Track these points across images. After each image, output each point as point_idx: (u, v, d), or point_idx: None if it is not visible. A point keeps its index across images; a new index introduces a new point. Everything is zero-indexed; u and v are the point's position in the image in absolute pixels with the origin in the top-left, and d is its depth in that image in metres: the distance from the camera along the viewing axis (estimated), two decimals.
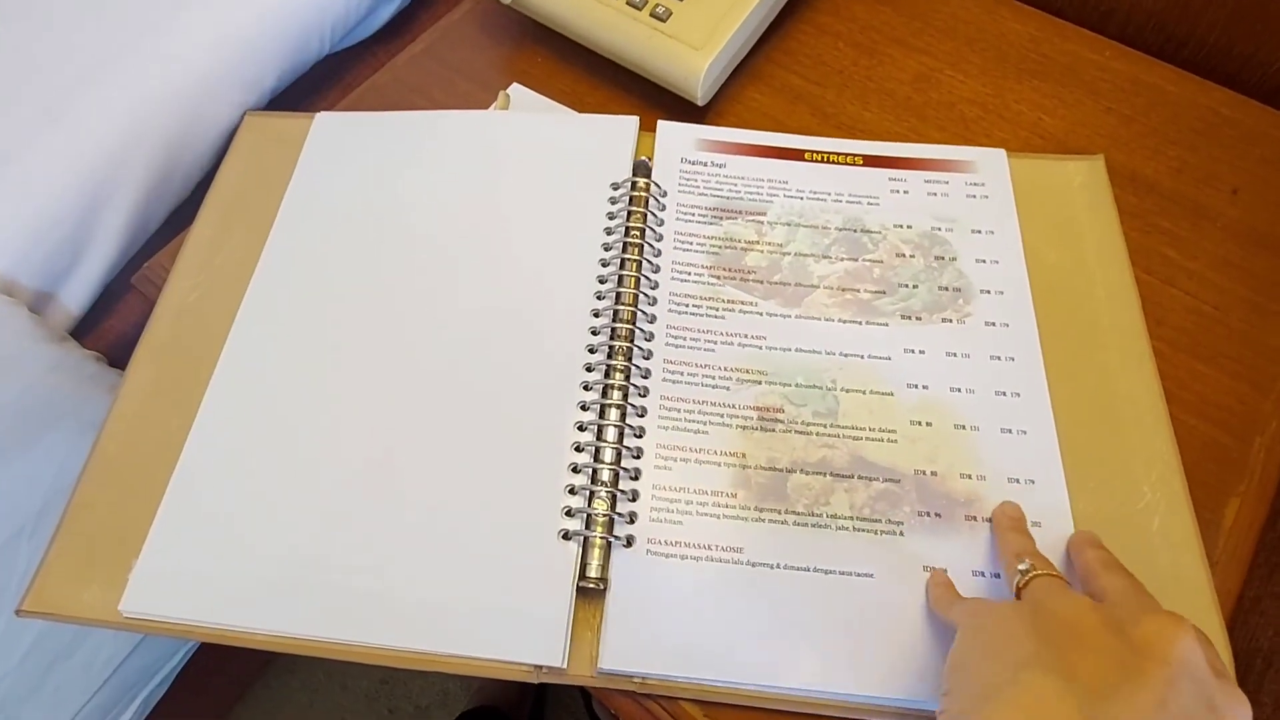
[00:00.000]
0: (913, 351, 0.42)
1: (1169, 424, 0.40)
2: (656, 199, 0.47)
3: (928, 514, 0.38)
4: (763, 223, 0.47)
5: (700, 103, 0.50)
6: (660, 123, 0.50)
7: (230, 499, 0.39)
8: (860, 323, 0.43)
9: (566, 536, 0.37)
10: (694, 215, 0.47)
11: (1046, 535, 0.37)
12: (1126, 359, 0.42)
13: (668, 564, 0.37)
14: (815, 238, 0.46)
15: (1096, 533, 0.36)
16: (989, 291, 0.44)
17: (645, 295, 0.44)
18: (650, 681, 0.35)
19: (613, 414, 0.40)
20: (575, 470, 0.39)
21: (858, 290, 0.44)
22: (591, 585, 0.36)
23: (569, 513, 0.38)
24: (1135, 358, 0.42)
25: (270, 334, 0.44)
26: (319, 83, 0.65)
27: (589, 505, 0.38)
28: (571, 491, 0.38)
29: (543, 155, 0.49)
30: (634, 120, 0.50)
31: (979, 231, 0.46)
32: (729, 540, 0.37)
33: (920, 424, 0.40)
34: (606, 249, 0.45)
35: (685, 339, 0.43)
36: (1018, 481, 0.39)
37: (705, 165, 0.49)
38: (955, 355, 0.42)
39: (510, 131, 0.51)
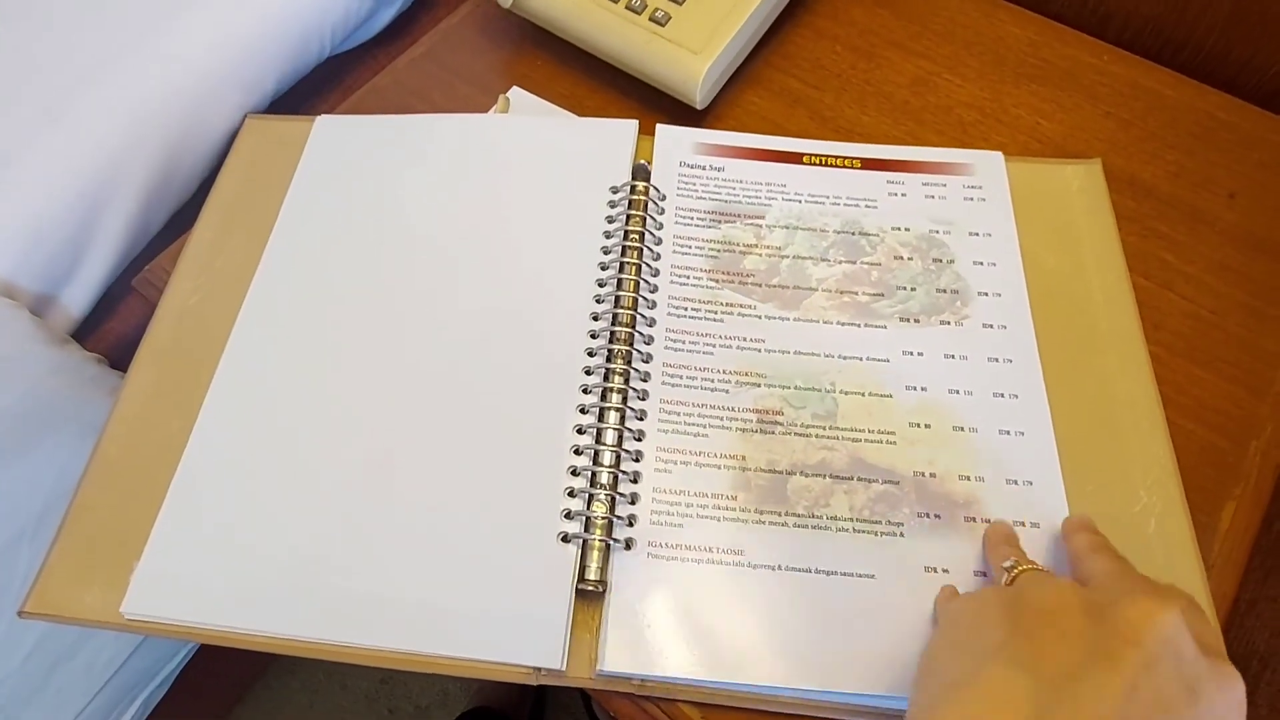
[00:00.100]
0: (911, 353, 0.42)
1: (1166, 428, 0.40)
2: (655, 202, 0.47)
3: (927, 515, 0.38)
4: (761, 226, 0.47)
5: (699, 106, 0.50)
6: (659, 126, 0.50)
7: (231, 501, 0.39)
8: (859, 325, 0.43)
9: (566, 539, 0.37)
10: (693, 218, 0.47)
11: (1044, 536, 0.37)
12: (1124, 363, 0.42)
13: (668, 566, 0.37)
14: (813, 241, 0.46)
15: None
16: (987, 294, 0.44)
17: (644, 299, 0.44)
18: (650, 684, 0.35)
19: (612, 417, 0.40)
20: (575, 473, 0.39)
21: (856, 293, 0.44)
22: (591, 588, 0.36)
23: (568, 515, 0.38)
24: (1132, 361, 0.42)
25: (271, 336, 0.44)
26: (319, 85, 0.65)
27: (588, 508, 0.38)
28: (571, 494, 0.38)
29: (542, 158, 0.49)
30: (633, 124, 0.50)
31: (977, 234, 0.46)
32: (729, 543, 0.38)
33: (919, 426, 0.40)
34: (606, 252, 0.45)
35: (684, 342, 0.43)
36: (1016, 483, 0.39)
37: (704, 169, 0.49)
38: (953, 357, 0.42)
39: (510, 135, 0.51)
